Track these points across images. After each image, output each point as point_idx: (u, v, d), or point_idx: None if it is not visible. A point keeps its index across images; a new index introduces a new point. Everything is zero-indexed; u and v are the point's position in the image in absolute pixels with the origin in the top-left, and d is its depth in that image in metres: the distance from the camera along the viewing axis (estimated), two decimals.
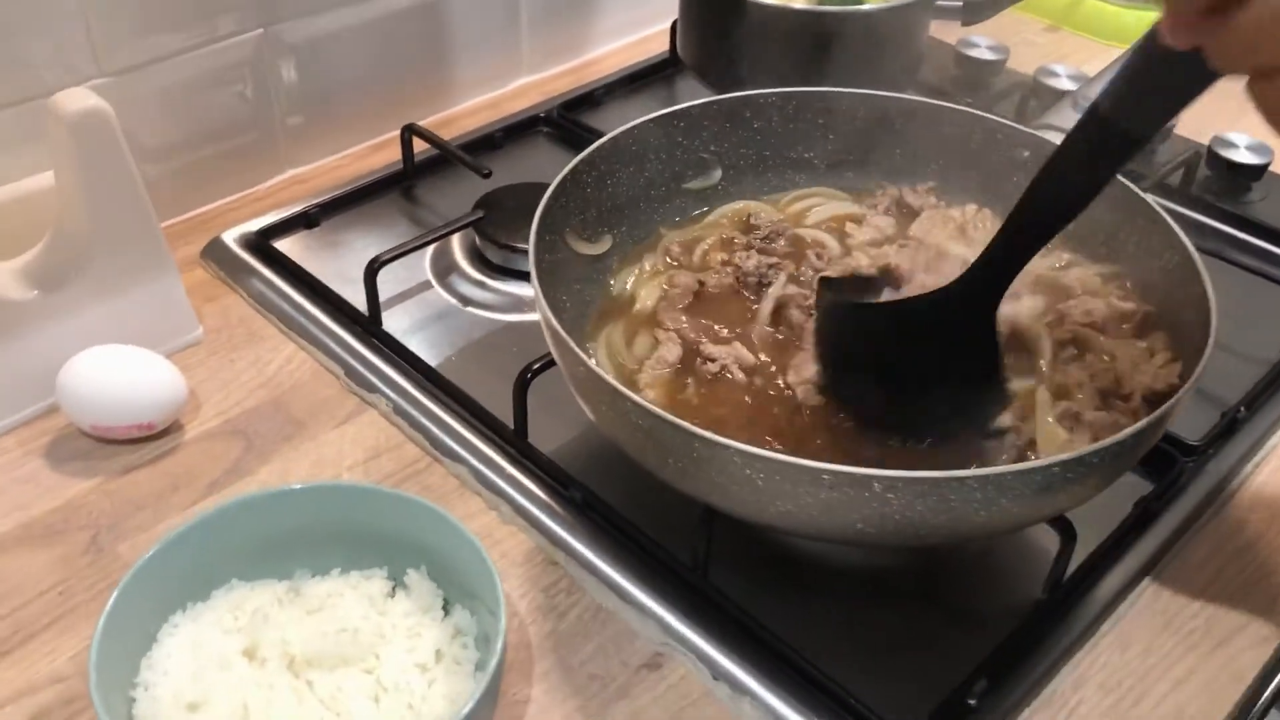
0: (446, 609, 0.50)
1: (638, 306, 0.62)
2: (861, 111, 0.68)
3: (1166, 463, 0.62)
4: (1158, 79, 0.44)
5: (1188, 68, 0.41)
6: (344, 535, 0.51)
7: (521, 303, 0.74)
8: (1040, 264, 0.62)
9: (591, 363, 0.48)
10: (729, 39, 0.82)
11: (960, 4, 0.83)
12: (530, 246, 0.55)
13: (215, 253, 0.76)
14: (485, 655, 0.48)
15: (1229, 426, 0.65)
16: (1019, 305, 0.60)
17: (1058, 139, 0.63)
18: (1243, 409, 0.66)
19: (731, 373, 0.57)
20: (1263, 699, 0.54)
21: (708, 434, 0.45)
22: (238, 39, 0.77)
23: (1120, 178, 0.61)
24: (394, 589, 0.51)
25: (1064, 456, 0.44)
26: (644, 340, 0.60)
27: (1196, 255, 0.56)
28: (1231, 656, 0.55)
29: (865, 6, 0.81)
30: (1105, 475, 0.48)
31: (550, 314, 0.51)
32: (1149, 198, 0.59)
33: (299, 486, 0.51)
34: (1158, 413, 0.46)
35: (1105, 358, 0.57)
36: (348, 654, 0.47)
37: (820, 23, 0.79)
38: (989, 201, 0.67)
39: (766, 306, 0.61)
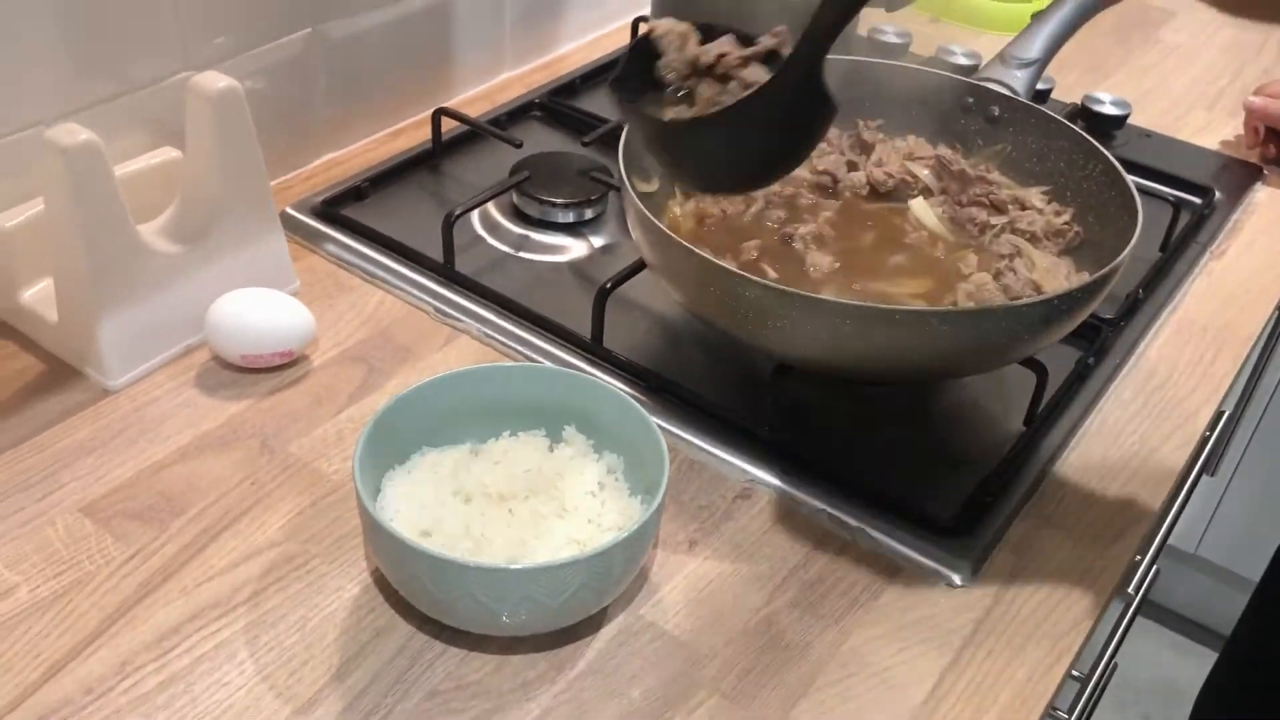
0: (597, 453, 0.64)
1: (684, 232, 0.77)
2: (837, 75, 0.84)
3: (1094, 331, 0.81)
4: None
5: None
6: (506, 406, 0.64)
7: (560, 248, 0.88)
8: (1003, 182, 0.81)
9: (705, 252, 0.63)
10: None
11: None
12: (625, 182, 0.70)
13: (287, 222, 0.87)
14: (642, 481, 0.62)
15: (1132, 305, 0.85)
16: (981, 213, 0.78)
17: (996, 88, 0.82)
18: (1141, 290, 0.85)
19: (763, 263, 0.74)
20: (1187, 483, 0.73)
21: (808, 293, 0.61)
22: (291, 37, 0.89)
23: (1047, 111, 0.80)
24: (551, 445, 0.65)
25: (1060, 291, 0.62)
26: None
27: (1112, 158, 0.74)
28: (1163, 458, 0.73)
29: None
30: (1080, 309, 0.66)
31: (658, 223, 0.66)
32: (1074, 127, 0.78)
33: (480, 366, 0.65)
34: (1116, 260, 0.64)
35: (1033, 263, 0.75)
36: (534, 486, 0.61)
37: (774, 10, 0.96)
38: (927, 135, 0.85)
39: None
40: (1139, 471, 0.72)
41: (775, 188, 0.81)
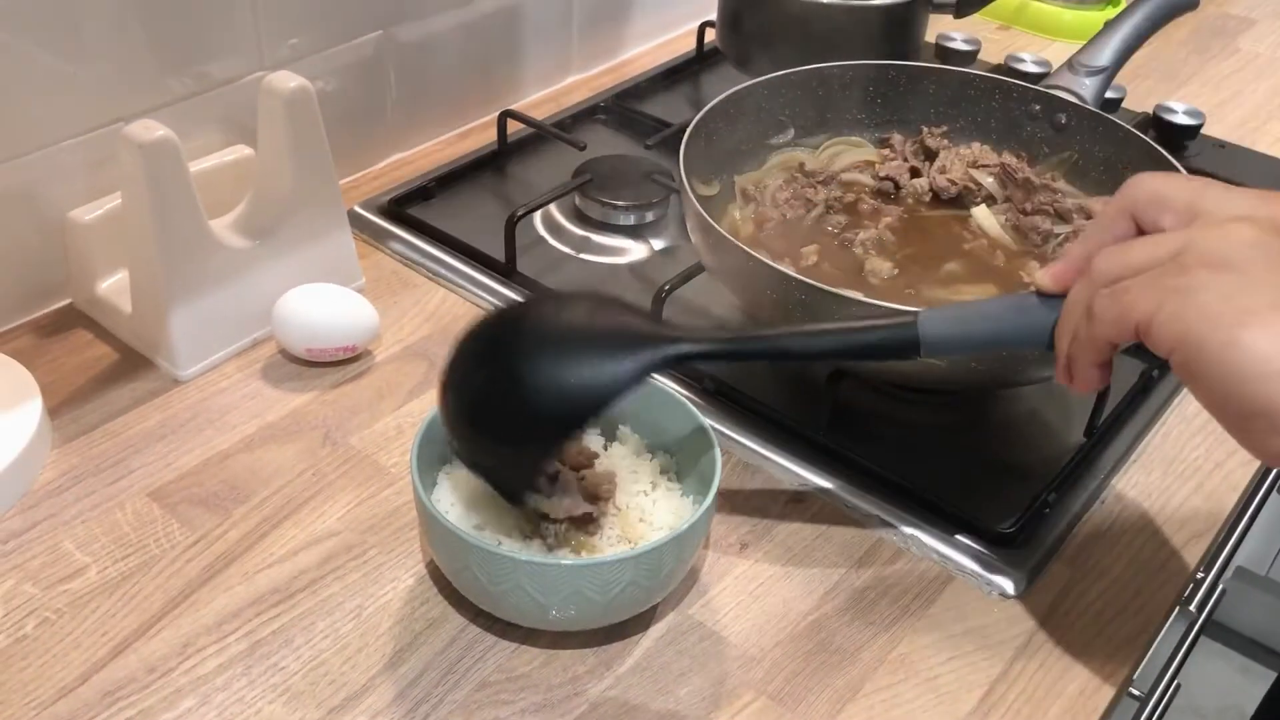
0: (651, 453, 0.65)
1: (744, 236, 0.78)
2: (903, 80, 0.85)
3: None
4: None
5: None
6: None
7: (621, 250, 0.88)
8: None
9: (763, 256, 0.63)
10: (766, 32, 0.99)
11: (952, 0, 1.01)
12: (686, 185, 0.70)
13: (355, 220, 0.89)
14: (695, 482, 0.62)
15: None
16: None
17: (1064, 95, 0.81)
18: None
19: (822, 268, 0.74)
20: (1254, 503, 0.72)
21: (864, 298, 0.60)
22: (362, 39, 0.90)
23: (1116, 120, 0.79)
24: (605, 444, 0.65)
25: None
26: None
27: (1182, 169, 0.73)
28: (1227, 474, 0.72)
29: (876, 2, 0.98)
30: None
31: (717, 226, 0.66)
32: (1143, 136, 0.77)
33: None
34: None
35: None
36: None
37: (842, 15, 0.96)
38: (993, 142, 0.84)
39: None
40: (1202, 487, 0.71)
41: (836, 192, 0.80)
